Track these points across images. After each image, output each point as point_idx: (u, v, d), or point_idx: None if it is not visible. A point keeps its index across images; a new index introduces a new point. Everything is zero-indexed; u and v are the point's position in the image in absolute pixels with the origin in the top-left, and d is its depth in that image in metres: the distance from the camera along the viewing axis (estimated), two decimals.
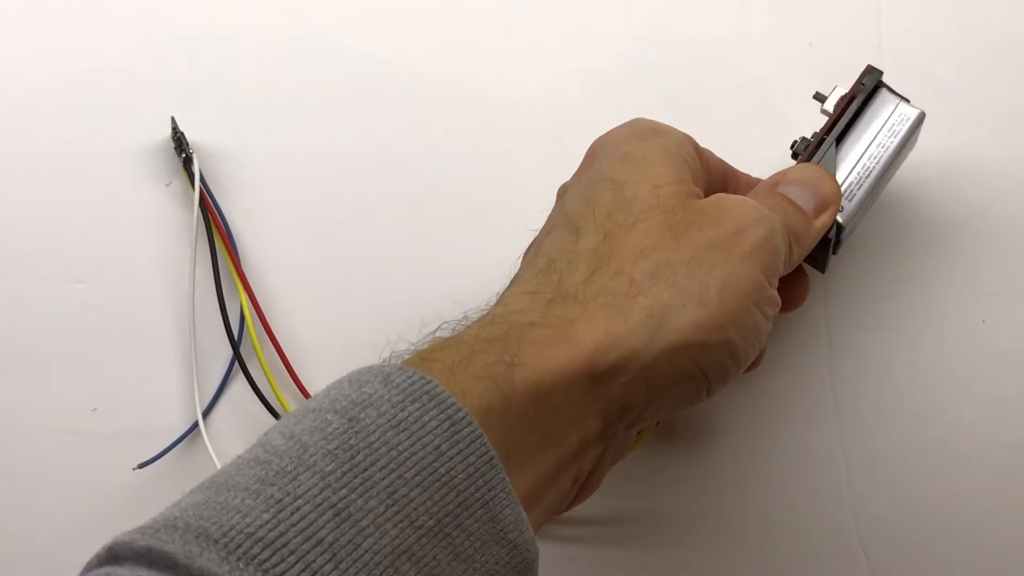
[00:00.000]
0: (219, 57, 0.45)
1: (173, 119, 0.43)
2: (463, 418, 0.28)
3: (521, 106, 0.45)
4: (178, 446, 0.42)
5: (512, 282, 0.35)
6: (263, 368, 0.42)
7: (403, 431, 0.27)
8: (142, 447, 0.41)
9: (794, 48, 0.45)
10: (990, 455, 0.41)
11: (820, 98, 0.40)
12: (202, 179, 0.43)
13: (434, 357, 0.30)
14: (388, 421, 0.27)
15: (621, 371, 0.30)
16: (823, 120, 0.39)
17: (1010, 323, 0.42)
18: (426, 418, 0.27)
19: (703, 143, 0.44)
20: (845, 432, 0.42)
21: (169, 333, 0.43)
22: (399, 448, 0.27)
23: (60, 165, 0.44)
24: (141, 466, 0.41)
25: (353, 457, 0.26)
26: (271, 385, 0.42)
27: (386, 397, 0.28)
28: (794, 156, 0.40)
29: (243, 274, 0.43)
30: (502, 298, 0.33)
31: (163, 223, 0.44)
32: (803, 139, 0.40)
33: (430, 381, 0.28)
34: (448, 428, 0.27)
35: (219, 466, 0.39)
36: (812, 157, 0.38)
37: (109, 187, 0.44)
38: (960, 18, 0.45)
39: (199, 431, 0.41)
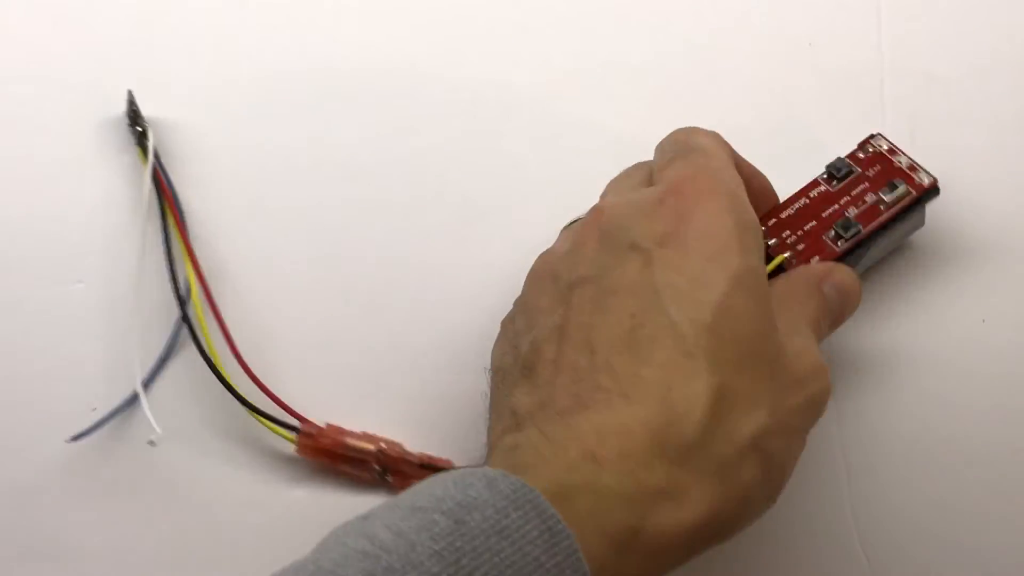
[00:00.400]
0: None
1: (130, 92, 0.44)
2: (562, 530, 0.28)
3: (519, 106, 0.45)
4: (117, 417, 0.41)
5: (606, 373, 0.32)
6: (208, 345, 0.41)
7: (506, 538, 0.27)
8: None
9: (794, 48, 0.45)
10: (990, 455, 0.41)
11: (892, 187, 0.40)
12: (156, 155, 0.43)
13: (571, 497, 0.29)
14: (492, 526, 0.27)
15: (714, 540, 0.31)
16: (827, 129, 0.40)
17: (1010, 323, 0.42)
18: (528, 527, 0.28)
19: None
20: (845, 432, 0.42)
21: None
22: (501, 555, 0.27)
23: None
24: (76, 438, 0.40)
25: (458, 560, 0.27)
26: (213, 357, 0.41)
27: (491, 502, 0.28)
28: (829, 178, 0.40)
29: (191, 250, 0.42)
30: (612, 406, 0.31)
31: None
32: (843, 162, 0.40)
33: (532, 490, 0.28)
34: (548, 539, 0.28)
35: (159, 432, 0.39)
36: (858, 247, 0.39)
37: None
38: (960, 18, 0.45)
39: (139, 402, 0.40)
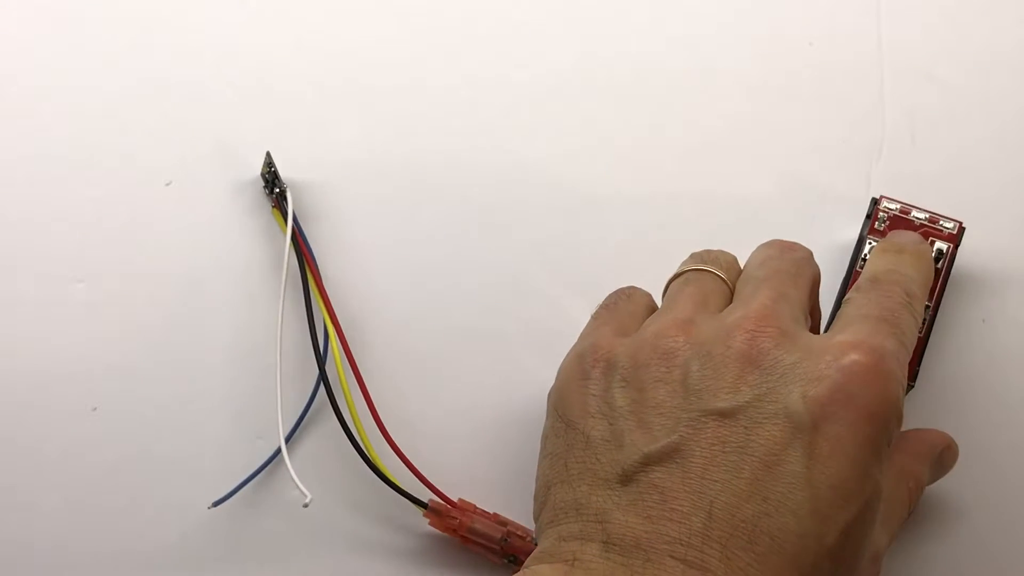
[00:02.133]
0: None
1: (268, 154, 0.42)
2: None
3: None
4: (258, 477, 0.40)
5: None
6: (349, 406, 0.39)
7: None
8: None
9: (794, 48, 0.45)
10: (990, 455, 0.41)
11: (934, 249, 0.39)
12: (295, 217, 0.41)
13: None
14: None
15: None
16: (827, 128, 0.39)
17: (1010, 323, 0.42)
18: None
19: (698, 145, 0.44)
20: None
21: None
22: None
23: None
24: (217, 504, 0.39)
25: None
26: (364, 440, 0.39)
27: None
28: (868, 216, 0.40)
29: (332, 311, 0.41)
30: None
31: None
32: (873, 246, 0.39)
33: None
34: None
35: (308, 496, 0.37)
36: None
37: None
38: (960, 18, 0.45)
39: (281, 458, 0.39)
